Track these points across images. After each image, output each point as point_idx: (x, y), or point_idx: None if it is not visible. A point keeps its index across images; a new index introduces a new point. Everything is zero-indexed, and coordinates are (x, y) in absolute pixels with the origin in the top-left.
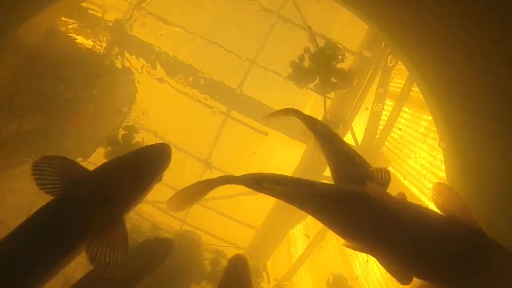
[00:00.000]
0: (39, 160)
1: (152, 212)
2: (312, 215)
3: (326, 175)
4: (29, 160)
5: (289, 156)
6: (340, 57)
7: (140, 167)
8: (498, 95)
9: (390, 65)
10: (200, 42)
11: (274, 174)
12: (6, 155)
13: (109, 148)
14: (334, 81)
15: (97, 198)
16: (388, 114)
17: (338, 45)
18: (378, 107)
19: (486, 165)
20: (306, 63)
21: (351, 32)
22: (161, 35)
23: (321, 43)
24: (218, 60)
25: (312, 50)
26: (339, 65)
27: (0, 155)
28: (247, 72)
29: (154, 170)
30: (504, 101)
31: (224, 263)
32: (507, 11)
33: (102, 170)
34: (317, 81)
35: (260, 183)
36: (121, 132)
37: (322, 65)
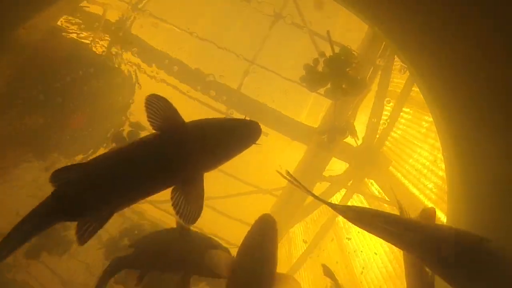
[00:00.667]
0: (151, 95)
1: (153, 212)
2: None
3: (325, 175)
4: (28, 160)
5: (289, 156)
6: (354, 64)
7: (234, 135)
8: (496, 96)
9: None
10: (200, 42)
11: (377, 210)
12: (4, 154)
13: (114, 145)
14: (346, 87)
15: (191, 148)
16: (389, 114)
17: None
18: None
19: (485, 165)
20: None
21: (351, 32)
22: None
23: (322, 44)
24: (219, 61)
25: (324, 54)
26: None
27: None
28: (247, 73)
29: (244, 143)
30: (502, 102)
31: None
32: (505, 12)
33: (200, 125)
34: (328, 86)
35: (364, 218)
36: (127, 129)
37: (335, 71)
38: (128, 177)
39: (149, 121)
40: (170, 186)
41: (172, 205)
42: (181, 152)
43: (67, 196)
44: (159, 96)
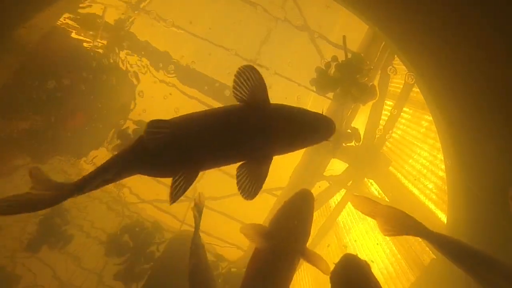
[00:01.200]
0: (243, 68)
1: (153, 212)
2: None
3: (325, 175)
4: (26, 162)
5: (289, 156)
6: (365, 71)
7: (310, 126)
8: (496, 95)
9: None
10: (200, 42)
11: (479, 250)
12: (3, 154)
13: (118, 141)
14: (356, 94)
15: (269, 128)
16: (389, 114)
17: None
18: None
19: (485, 165)
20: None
21: (351, 32)
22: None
23: (323, 45)
24: (219, 61)
25: (337, 59)
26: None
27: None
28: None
29: (317, 136)
30: (502, 102)
31: (223, 267)
32: (505, 12)
33: (281, 108)
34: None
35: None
36: (132, 127)
37: (346, 76)
38: (207, 142)
39: (234, 91)
40: (240, 160)
41: (237, 177)
42: (259, 129)
43: (152, 146)
44: (253, 68)
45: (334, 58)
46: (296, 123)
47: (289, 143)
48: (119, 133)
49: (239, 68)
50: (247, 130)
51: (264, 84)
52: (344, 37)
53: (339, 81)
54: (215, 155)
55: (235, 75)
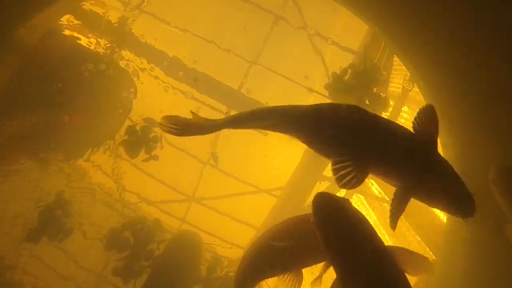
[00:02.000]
0: (431, 107)
1: (153, 212)
2: None
3: (326, 175)
4: (28, 160)
5: (289, 156)
6: (381, 82)
7: (457, 195)
8: (497, 96)
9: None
10: (200, 42)
11: None
12: (4, 154)
13: (126, 137)
14: (369, 104)
15: (432, 166)
16: (388, 114)
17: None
18: None
19: (485, 166)
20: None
21: (351, 32)
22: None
23: (323, 45)
24: (219, 61)
25: (354, 66)
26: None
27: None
28: (247, 73)
29: (455, 209)
30: (503, 102)
31: (221, 270)
32: (505, 12)
33: (446, 164)
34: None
35: None
36: (140, 124)
37: (362, 85)
38: (380, 151)
39: (414, 120)
40: (392, 181)
41: (392, 199)
42: (425, 163)
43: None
44: (433, 108)
45: (351, 65)
46: (454, 183)
47: (433, 194)
48: (128, 129)
49: (424, 106)
50: (415, 160)
51: (437, 127)
52: (365, 46)
53: (353, 89)
54: (380, 164)
55: (419, 110)
